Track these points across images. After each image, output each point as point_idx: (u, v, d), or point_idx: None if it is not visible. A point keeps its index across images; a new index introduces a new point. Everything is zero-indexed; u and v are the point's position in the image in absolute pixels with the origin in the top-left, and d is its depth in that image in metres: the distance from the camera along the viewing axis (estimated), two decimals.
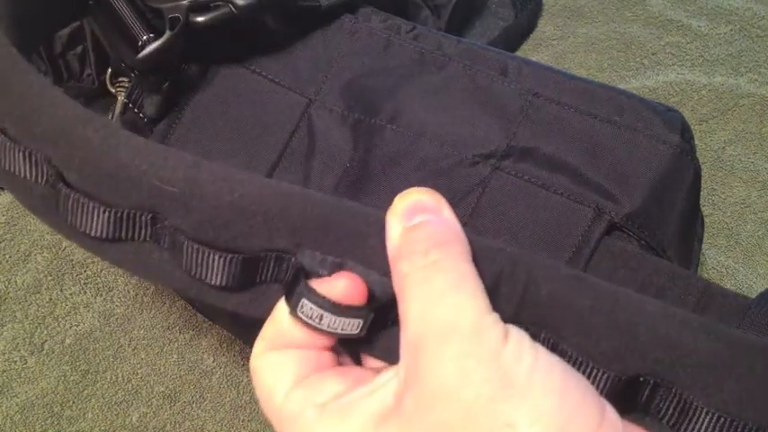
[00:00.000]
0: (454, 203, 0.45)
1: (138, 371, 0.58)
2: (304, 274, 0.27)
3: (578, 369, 0.26)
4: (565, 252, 0.43)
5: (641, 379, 0.26)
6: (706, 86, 0.71)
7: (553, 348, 0.26)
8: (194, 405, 0.57)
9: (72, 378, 0.58)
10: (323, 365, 0.28)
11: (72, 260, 0.62)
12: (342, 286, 0.26)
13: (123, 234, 0.29)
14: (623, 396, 0.27)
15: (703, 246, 0.54)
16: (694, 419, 0.26)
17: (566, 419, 0.23)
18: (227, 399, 0.57)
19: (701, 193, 0.49)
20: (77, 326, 0.59)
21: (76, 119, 0.29)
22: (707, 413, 0.26)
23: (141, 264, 0.30)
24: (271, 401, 0.27)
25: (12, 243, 0.63)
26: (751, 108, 0.70)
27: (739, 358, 0.26)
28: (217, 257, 0.28)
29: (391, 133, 0.47)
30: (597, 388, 0.26)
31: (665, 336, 0.26)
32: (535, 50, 0.75)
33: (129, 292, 0.61)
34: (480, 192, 0.45)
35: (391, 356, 0.27)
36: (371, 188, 0.46)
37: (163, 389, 0.57)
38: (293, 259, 0.28)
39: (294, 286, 0.27)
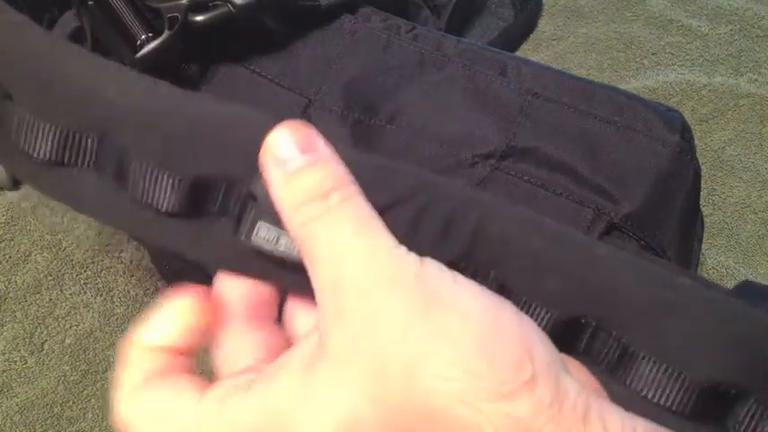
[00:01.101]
0: None
1: None
2: (255, 200, 0.26)
3: (521, 308, 0.26)
4: None
5: (582, 321, 0.26)
6: (706, 86, 0.71)
7: (500, 288, 0.26)
8: None
9: (72, 378, 0.58)
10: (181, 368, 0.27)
11: (72, 260, 0.62)
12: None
13: (67, 157, 0.28)
14: (565, 339, 0.26)
15: (703, 246, 0.54)
16: (633, 365, 0.26)
17: (496, 320, 0.23)
18: None
19: (701, 193, 0.49)
20: (77, 326, 0.59)
21: (30, 34, 0.28)
22: (646, 359, 0.26)
23: (79, 193, 0.29)
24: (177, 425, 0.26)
25: (12, 243, 0.63)
26: (751, 108, 0.70)
27: (682, 306, 0.26)
28: (167, 178, 0.26)
29: (391, 133, 0.47)
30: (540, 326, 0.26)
31: (611, 279, 0.26)
32: (535, 50, 0.75)
33: (129, 292, 0.61)
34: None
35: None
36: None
37: None
38: (244, 189, 0.27)
39: (246, 211, 0.26)
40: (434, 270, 0.24)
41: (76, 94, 0.28)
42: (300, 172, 0.25)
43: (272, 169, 0.25)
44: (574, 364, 0.26)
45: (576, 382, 0.23)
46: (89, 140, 0.28)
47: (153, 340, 0.27)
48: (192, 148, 0.27)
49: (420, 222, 0.26)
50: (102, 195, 0.28)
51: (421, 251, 0.25)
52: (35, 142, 0.28)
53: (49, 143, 0.28)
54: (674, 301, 0.26)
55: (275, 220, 0.26)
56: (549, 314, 0.26)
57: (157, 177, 0.27)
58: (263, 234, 0.26)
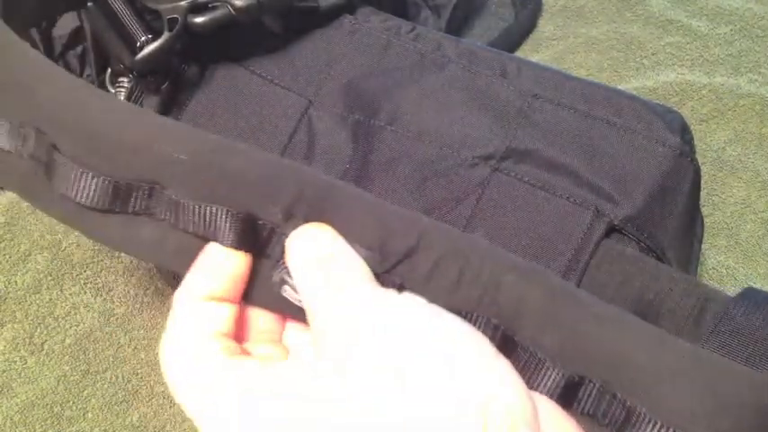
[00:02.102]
0: (453, 205, 0.45)
1: (138, 371, 0.58)
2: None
3: (528, 361, 0.27)
4: (564, 254, 0.43)
5: (587, 380, 0.27)
6: (706, 86, 0.71)
7: (505, 340, 0.27)
8: None
9: (72, 378, 0.58)
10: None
11: (72, 260, 0.62)
12: None
13: (118, 204, 0.30)
14: (570, 397, 0.27)
15: (703, 246, 0.54)
16: (638, 428, 0.27)
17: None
18: None
19: (701, 193, 0.49)
20: (77, 326, 0.59)
21: (74, 88, 0.30)
22: (651, 423, 0.26)
23: (131, 238, 0.31)
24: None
25: (12, 243, 0.63)
26: (751, 108, 0.70)
27: (685, 369, 0.26)
28: (222, 214, 0.30)
29: (391, 134, 0.47)
30: (545, 385, 0.27)
31: (610, 339, 0.26)
32: (535, 50, 0.75)
33: (129, 292, 0.61)
34: (479, 193, 0.45)
35: None
36: (371, 190, 0.46)
37: (163, 389, 0.57)
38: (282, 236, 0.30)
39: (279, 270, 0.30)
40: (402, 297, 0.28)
41: (123, 147, 0.29)
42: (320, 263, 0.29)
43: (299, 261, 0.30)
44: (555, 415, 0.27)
45: None
46: (140, 190, 0.30)
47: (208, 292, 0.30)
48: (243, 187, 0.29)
49: (435, 272, 0.28)
50: (157, 239, 0.30)
51: (436, 299, 0.28)
52: (83, 190, 0.30)
53: (98, 191, 0.30)
54: (676, 364, 0.26)
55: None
56: (553, 370, 0.27)
57: (214, 213, 0.29)
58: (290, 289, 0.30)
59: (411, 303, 0.27)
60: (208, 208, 0.29)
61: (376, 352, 0.25)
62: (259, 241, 0.30)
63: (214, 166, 0.29)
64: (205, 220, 0.29)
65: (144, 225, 0.30)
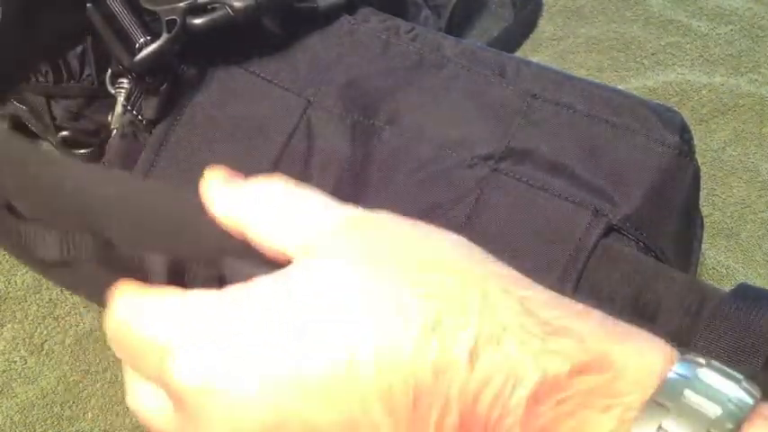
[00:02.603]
0: (452, 205, 0.45)
1: None
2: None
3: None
4: (562, 254, 0.43)
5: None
6: (706, 86, 0.71)
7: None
8: None
9: (72, 378, 0.58)
10: None
11: None
12: None
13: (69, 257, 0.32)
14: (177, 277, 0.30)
15: (703, 246, 0.54)
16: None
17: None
18: None
19: (701, 193, 0.49)
20: (77, 326, 0.59)
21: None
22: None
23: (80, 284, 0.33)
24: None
25: None
26: (751, 108, 0.70)
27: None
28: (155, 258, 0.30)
29: (390, 134, 0.47)
30: None
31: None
32: (535, 50, 0.75)
33: None
34: (478, 193, 0.45)
35: None
36: (370, 190, 0.46)
37: None
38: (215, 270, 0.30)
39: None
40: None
41: (64, 199, 0.31)
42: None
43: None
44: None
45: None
46: (83, 240, 0.31)
47: None
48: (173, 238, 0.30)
49: None
50: (106, 285, 0.31)
51: None
52: (42, 247, 0.31)
53: (53, 247, 0.31)
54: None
55: None
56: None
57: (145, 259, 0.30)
58: None
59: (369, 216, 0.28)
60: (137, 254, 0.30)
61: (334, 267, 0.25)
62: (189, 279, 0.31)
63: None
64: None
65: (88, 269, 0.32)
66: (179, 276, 0.30)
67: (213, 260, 0.30)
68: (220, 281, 0.29)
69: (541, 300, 0.24)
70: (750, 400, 0.22)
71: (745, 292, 0.38)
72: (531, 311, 0.24)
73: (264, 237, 0.28)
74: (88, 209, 0.31)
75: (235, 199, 0.29)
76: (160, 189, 0.32)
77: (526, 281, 0.25)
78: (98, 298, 0.33)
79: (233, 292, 0.27)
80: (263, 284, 0.26)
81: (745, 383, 0.22)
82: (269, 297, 0.25)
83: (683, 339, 0.38)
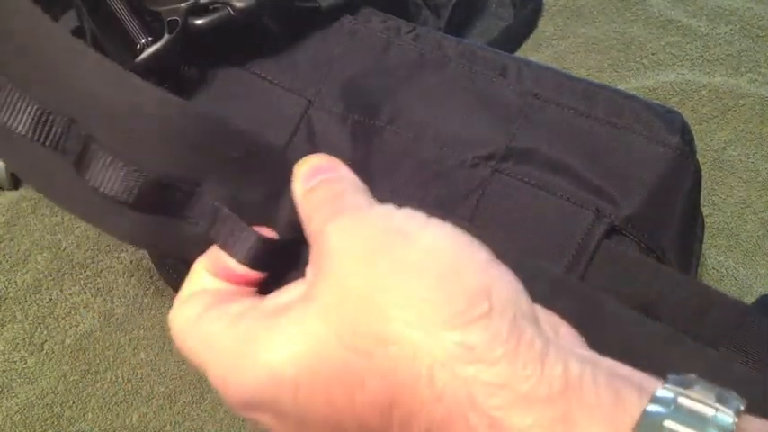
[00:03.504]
0: (454, 205, 0.45)
1: (138, 371, 0.58)
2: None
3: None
4: (564, 255, 0.43)
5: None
6: (706, 86, 0.71)
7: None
8: (194, 405, 0.57)
9: (72, 378, 0.58)
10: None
11: (72, 260, 0.62)
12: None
13: (39, 136, 0.30)
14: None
15: (703, 246, 0.54)
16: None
17: (458, 256, 0.26)
18: None
19: (701, 193, 0.49)
20: (77, 326, 0.59)
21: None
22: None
23: (45, 174, 0.31)
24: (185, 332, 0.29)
25: (12, 243, 0.63)
26: (751, 108, 0.70)
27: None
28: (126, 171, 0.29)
29: (391, 135, 0.47)
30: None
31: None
32: (535, 50, 0.75)
33: (129, 292, 0.61)
34: (480, 194, 0.45)
35: None
36: (371, 190, 0.46)
37: (163, 389, 0.57)
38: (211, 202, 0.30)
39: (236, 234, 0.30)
40: (404, 212, 0.28)
41: (52, 76, 0.29)
42: (310, 189, 0.31)
43: (296, 188, 0.31)
44: (552, 319, 0.28)
45: (536, 326, 0.25)
46: (59, 123, 0.30)
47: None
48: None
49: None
50: (65, 180, 0.30)
51: None
52: (16, 117, 0.30)
53: (27, 120, 0.30)
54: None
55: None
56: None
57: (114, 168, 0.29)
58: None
59: (415, 215, 0.28)
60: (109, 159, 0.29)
61: (387, 259, 0.25)
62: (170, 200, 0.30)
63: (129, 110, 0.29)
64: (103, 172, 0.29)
65: (55, 159, 0.30)
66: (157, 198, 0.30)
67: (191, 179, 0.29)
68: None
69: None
70: (730, 420, 0.22)
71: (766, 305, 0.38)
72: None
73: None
74: (70, 92, 0.29)
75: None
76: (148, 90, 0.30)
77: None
78: (32, 179, 0.32)
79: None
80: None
81: (726, 405, 0.22)
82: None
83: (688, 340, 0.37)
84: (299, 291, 0.28)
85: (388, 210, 0.28)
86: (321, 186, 0.30)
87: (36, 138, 0.29)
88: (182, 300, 0.30)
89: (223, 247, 0.30)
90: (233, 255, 0.30)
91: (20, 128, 0.29)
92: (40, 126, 0.29)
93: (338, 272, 0.26)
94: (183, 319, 0.29)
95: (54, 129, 0.29)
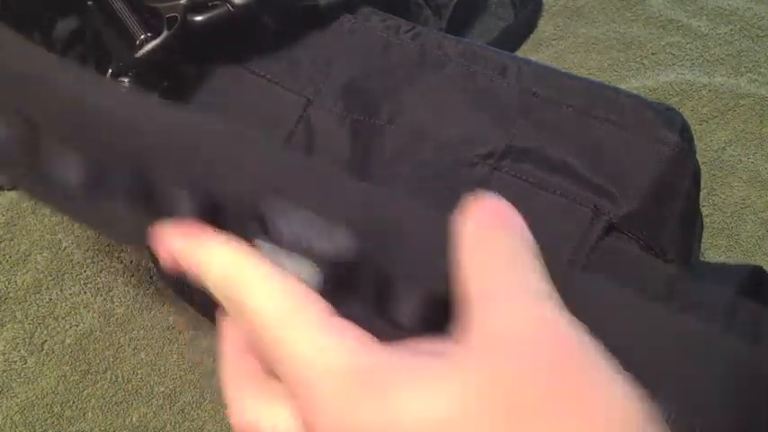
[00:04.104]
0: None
1: (138, 371, 0.58)
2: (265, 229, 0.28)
3: None
4: (563, 253, 0.43)
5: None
6: (706, 86, 0.71)
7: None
8: (194, 405, 0.57)
9: (72, 378, 0.58)
10: None
11: (72, 260, 0.62)
12: None
13: (97, 185, 0.29)
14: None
15: (703, 246, 0.54)
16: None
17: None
18: None
19: (701, 193, 0.49)
20: (77, 326, 0.59)
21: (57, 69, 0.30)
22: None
23: (111, 218, 0.30)
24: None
25: (12, 243, 0.63)
26: (751, 108, 0.70)
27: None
28: (187, 197, 0.28)
29: (390, 133, 0.47)
30: None
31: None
32: (535, 50, 0.75)
33: (129, 292, 0.61)
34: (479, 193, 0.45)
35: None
36: None
37: (163, 389, 0.57)
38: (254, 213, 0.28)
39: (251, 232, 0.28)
40: (597, 346, 0.22)
41: (105, 126, 0.28)
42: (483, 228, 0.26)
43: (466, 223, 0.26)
44: None
45: None
46: (120, 170, 0.29)
47: None
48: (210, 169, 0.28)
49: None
50: (134, 220, 0.29)
51: None
52: (66, 171, 0.29)
53: (80, 172, 0.29)
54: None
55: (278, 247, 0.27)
56: None
57: (178, 196, 0.28)
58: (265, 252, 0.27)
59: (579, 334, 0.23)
60: (173, 190, 0.28)
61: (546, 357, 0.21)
62: (228, 221, 0.29)
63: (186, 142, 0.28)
64: (169, 202, 0.28)
65: (120, 203, 0.29)
66: (212, 218, 0.28)
67: (252, 200, 0.27)
68: (259, 221, 0.27)
69: None
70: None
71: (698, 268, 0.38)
72: None
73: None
74: (117, 132, 0.28)
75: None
76: (198, 121, 0.29)
77: None
78: (127, 237, 0.31)
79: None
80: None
81: None
82: None
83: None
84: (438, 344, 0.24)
85: (579, 333, 0.23)
86: (497, 239, 0.25)
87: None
88: None
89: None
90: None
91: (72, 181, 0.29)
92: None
93: (490, 367, 0.21)
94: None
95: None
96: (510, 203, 0.27)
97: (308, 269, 0.27)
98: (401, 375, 0.22)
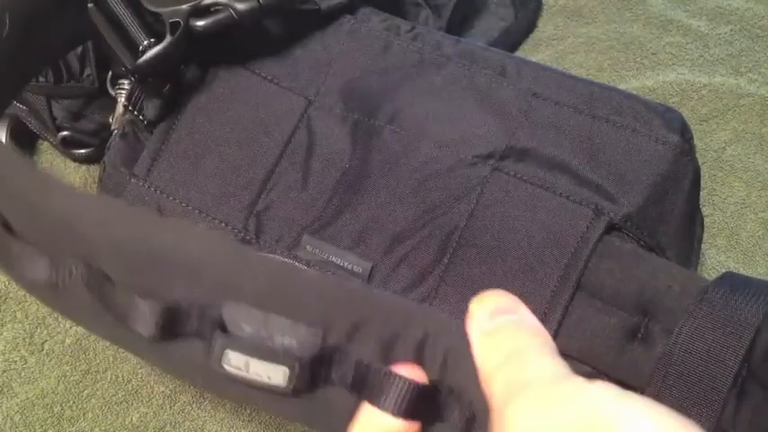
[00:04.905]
0: (453, 204, 0.45)
1: (138, 371, 0.58)
2: (224, 328, 0.28)
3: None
4: (564, 253, 0.43)
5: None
6: (706, 86, 0.71)
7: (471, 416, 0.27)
8: (194, 405, 0.57)
9: (72, 378, 0.58)
10: None
11: None
12: None
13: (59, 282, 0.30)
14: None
15: (703, 246, 0.54)
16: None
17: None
18: None
19: (701, 193, 0.49)
20: (77, 326, 0.59)
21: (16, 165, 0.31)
22: None
23: (71, 309, 0.31)
24: None
25: None
26: (751, 108, 0.70)
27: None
28: (144, 304, 0.28)
29: (390, 134, 0.47)
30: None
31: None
32: (535, 50, 0.75)
33: None
34: (479, 192, 0.45)
35: None
36: (370, 189, 0.46)
37: (163, 389, 0.57)
38: (214, 315, 0.28)
39: (215, 339, 0.28)
40: (603, 390, 0.23)
41: (55, 224, 0.29)
42: (491, 330, 0.27)
43: (472, 328, 0.27)
44: None
45: None
46: (73, 267, 0.29)
47: None
48: (167, 275, 0.28)
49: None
50: (93, 314, 0.30)
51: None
52: (32, 268, 0.30)
53: (42, 269, 0.30)
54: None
55: (241, 346, 0.27)
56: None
57: (137, 303, 0.28)
58: (232, 361, 0.27)
59: (621, 397, 0.23)
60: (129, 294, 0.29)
61: None
62: (188, 325, 0.29)
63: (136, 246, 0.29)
64: (125, 307, 0.29)
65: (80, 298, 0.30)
66: (170, 324, 0.28)
67: (211, 304, 0.28)
68: (221, 326, 0.28)
69: None
70: None
71: (729, 280, 0.38)
72: None
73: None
74: (79, 236, 0.29)
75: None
76: (156, 223, 0.29)
77: None
78: (87, 324, 0.32)
79: None
80: None
81: None
82: None
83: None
84: None
85: (583, 388, 0.23)
86: (502, 331, 0.27)
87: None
88: None
89: (373, 402, 0.27)
90: (386, 408, 0.27)
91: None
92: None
93: None
94: None
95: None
96: (512, 296, 0.28)
97: (279, 371, 0.27)
98: None
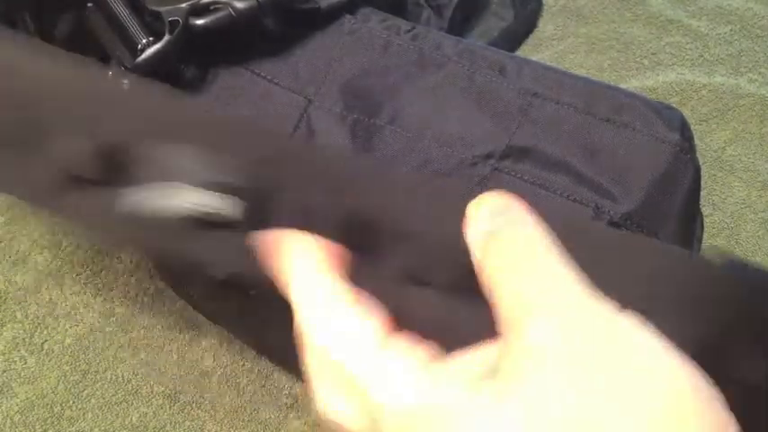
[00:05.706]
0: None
1: (138, 371, 0.58)
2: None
3: None
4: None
5: None
6: (706, 86, 0.71)
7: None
8: (194, 405, 0.57)
9: (72, 378, 0.58)
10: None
11: (72, 260, 0.62)
12: None
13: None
14: None
15: (703, 246, 0.54)
16: None
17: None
18: (227, 399, 0.57)
19: (701, 193, 0.49)
20: (77, 326, 0.59)
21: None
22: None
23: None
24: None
25: (12, 243, 0.63)
26: (751, 108, 0.70)
27: None
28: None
29: (390, 133, 0.47)
30: None
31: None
32: (535, 50, 0.75)
33: (129, 292, 0.61)
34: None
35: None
36: None
37: (163, 389, 0.57)
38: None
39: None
40: (634, 323, 0.22)
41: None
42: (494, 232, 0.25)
43: (472, 234, 0.25)
44: None
45: None
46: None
47: None
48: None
49: None
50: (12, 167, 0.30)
51: None
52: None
53: None
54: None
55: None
56: None
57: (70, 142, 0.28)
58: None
59: (633, 326, 0.22)
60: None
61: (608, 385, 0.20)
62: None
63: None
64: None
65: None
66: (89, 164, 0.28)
67: (128, 144, 0.27)
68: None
69: None
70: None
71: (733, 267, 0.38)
72: None
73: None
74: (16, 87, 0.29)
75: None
76: (79, 68, 0.30)
77: None
78: (6, 186, 0.32)
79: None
80: None
81: None
82: None
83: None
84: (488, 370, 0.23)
85: (615, 320, 0.22)
86: (505, 231, 0.25)
87: None
88: None
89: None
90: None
91: None
92: None
93: (538, 386, 0.20)
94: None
95: None
96: (512, 195, 0.27)
97: (226, 202, 0.26)
98: (462, 419, 0.21)
